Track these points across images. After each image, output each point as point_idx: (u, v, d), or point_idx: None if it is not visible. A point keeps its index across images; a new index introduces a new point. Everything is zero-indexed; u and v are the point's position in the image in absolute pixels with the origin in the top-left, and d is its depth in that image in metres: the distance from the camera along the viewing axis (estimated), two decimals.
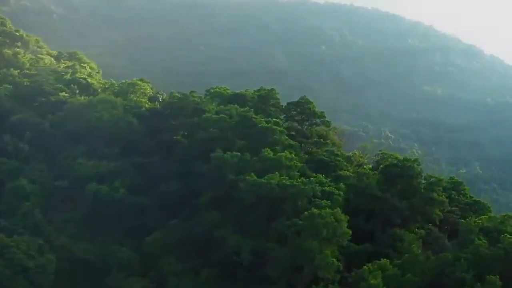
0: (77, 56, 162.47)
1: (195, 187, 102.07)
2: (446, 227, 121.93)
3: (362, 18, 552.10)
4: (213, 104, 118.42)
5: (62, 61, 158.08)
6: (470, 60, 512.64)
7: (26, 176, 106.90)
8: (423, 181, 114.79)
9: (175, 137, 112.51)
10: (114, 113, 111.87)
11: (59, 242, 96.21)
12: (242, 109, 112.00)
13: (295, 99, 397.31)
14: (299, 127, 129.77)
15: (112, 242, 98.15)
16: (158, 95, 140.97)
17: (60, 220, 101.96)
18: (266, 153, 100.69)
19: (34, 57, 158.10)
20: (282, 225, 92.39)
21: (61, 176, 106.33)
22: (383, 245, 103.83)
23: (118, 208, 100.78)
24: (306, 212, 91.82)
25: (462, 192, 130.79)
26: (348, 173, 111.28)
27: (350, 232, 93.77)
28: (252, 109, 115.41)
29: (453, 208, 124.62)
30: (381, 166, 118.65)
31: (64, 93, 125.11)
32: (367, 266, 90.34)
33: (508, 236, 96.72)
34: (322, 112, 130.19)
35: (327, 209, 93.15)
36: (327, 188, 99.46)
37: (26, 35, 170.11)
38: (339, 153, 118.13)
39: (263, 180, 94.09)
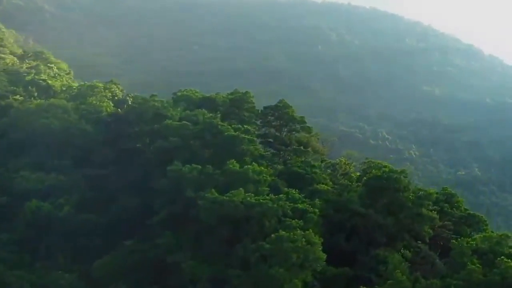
0: (43, 56, 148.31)
1: (153, 203, 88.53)
2: (437, 244, 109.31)
3: (360, 18, 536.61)
4: (179, 109, 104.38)
5: (27, 61, 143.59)
6: (469, 60, 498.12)
7: None
8: (411, 195, 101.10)
9: (134, 146, 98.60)
10: (66, 119, 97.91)
11: None
12: (209, 115, 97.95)
13: (293, 99, 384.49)
14: (277, 133, 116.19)
15: (54, 268, 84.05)
16: (128, 98, 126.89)
17: None
18: (231, 166, 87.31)
19: None
20: (246, 249, 79.02)
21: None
22: (365, 268, 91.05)
23: (64, 227, 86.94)
24: (273, 235, 78.50)
25: (456, 204, 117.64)
26: (326, 186, 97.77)
27: (325, 256, 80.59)
28: (219, 115, 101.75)
29: (446, 223, 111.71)
30: (364, 178, 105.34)
31: (18, 96, 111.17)
32: None
33: (505, 259, 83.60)
34: (302, 117, 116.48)
35: (299, 231, 79.90)
36: (300, 206, 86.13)
37: None
38: (316, 164, 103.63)
39: (224, 198, 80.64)
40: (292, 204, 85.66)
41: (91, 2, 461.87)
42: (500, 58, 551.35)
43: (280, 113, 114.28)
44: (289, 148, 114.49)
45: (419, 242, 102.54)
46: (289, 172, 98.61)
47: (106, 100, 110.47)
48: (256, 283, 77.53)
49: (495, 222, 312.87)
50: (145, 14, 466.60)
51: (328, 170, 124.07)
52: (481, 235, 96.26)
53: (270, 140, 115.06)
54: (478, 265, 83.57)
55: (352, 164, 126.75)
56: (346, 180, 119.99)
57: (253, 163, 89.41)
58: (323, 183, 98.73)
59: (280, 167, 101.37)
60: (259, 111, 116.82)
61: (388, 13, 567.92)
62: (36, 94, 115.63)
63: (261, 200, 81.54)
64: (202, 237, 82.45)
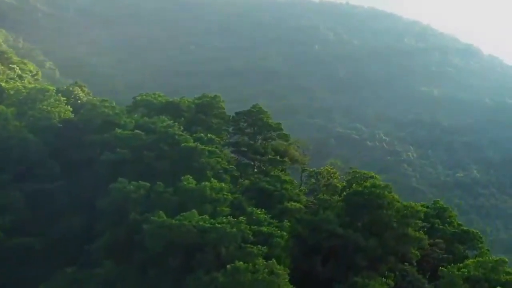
0: (5, 56, 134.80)
1: (97, 225, 75.68)
2: (427, 266, 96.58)
3: (358, 17, 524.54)
4: (136, 115, 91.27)
5: None
6: (468, 60, 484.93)
7: None
8: (397, 213, 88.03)
9: (84, 157, 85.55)
10: (4, 128, 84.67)
11: None
12: (167, 123, 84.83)
13: (289, 99, 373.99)
14: (251, 141, 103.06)
15: None
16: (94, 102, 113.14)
17: None
18: (185, 183, 74.23)
19: None
20: (198, 282, 66.61)
21: None
22: None
23: None
24: (229, 265, 65.67)
25: (448, 220, 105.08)
26: (298, 204, 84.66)
27: None
28: (180, 122, 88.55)
29: (437, 241, 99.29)
30: (344, 193, 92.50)
31: None
32: None
33: None
34: (278, 124, 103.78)
35: (261, 260, 67.34)
36: (264, 229, 73.41)
37: None
38: (288, 178, 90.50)
39: (174, 221, 67.80)
40: (255, 227, 72.93)
41: (86, 2, 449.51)
42: (500, 58, 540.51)
43: (253, 119, 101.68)
44: (264, 157, 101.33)
45: (406, 264, 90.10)
46: (256, 188, 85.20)
47: (61, 105, 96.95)
48: None
49: (495, 225, 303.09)
50: (141, 14, 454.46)
51: (312, 180, 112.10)
52: (475, 261, 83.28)
53: (244, 149, 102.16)
54: None
55: (337, 174, 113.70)
56: (329, 192, 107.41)
57: (212, 179, 75.90)
58: (295, 201, 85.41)
59: (246, 182, 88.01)
60: (231, 117, 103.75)
61: (386, 13, 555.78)
62: None
63: (217, 224, 68.69)
64: (148, 267, 69.53)
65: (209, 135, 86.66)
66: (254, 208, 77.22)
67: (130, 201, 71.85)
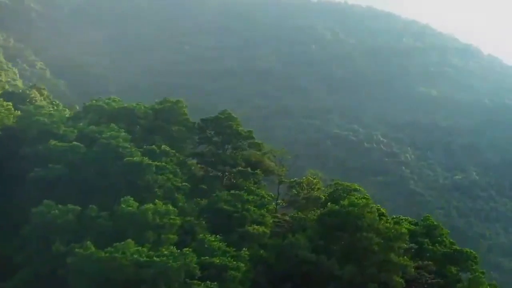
0: None
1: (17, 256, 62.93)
2: None
3: (355, 17, 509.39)
4: (81, 124, 78.76)
5: None
6: (467, 60, 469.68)
7: None
8: (378, 236, 75.48)
9: (15, 173, 72.91)
10: None
11: None
12: (110, 133, 72.30)
13: (285, 100, 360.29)
14: (219, 151, 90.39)
15: None
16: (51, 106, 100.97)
17: None
18: (124, 206, 61.69)
19: None
20: None
21: None
22: None
23: None
24: None
25: (439, 238, 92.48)
26: (261, 228, 71.81)
27: None
28: (132, 132, 76.16)
29: (426, 263, 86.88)
30: (319, 211, 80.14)
31: None
32: None
33: None
34: (249, 132, 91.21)
35: None
36: (217, 260, 60.64)
37: None
38: (251, 197, 77.74)
39: (103, 254, 55.40)
40: (207, 257, 60.48)
41: (81, 2, 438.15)
42: (500, 58, 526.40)
43: (222, 127, 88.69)
44: (234, 169, 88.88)
45: None
46: (213, 209, 72.55)
47: (3, 110, 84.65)
48: None
49: (494, 228, 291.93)
50: (136, 14, 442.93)
51: (294, 190, 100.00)
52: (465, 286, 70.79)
53: (212, 159, 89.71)
54: None
55: (318, 185, 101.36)
56: (309, 206, 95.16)
57: (157, 200, 63.37)
58: (259, 223, 72.84)
59: (204, 202, 75.33)
60: (196, 124, 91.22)
61: (384, 12, 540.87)
62: None
63: (155, 258, 56.11)
64: None
65: (162, 146, 73.95)
66: (207, 235, 64.46)
67: (55, 228, 59.27)
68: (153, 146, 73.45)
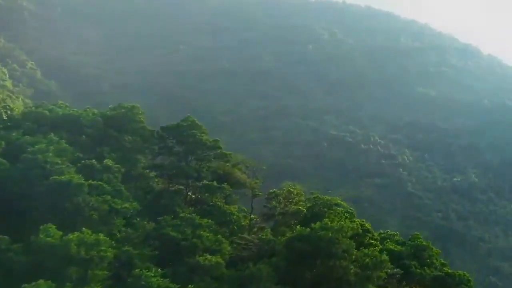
0: None
1: None
2: None
3: (354, 16, 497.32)
4: (14, 134, 66.78)
5: None
6: (467, 60, 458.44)
7: None
8: (355, 264, 63.65)
9: None
10: None
11: None
12: (38, 146, 60.26)
13: (281, 100, 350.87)
14: (181, 163, 78.42)
15: None
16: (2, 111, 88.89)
17: None
18: (42, 236, 49.86)
19: None
20: None
21: None
22: None
23: None
24: None
25: (428, 260, 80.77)
26: (215, 258, 59.99)
27: None
28: (64, 144, 64.05)
29: None
30: (287, 235, 68.31)
31: None
32: None
33: None
34: (215, 141, 79.65)
35: None
36: None
37: None
38: (204, 221, 65.78)
39: None
40: None
41: (75, 1, 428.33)
42: (499, 58, 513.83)
43: (184, 136, 76.61)
44: (198, 183, 77.00)
45: None
46: (160, 236, 60.48)
47: None
48: None
49: (493, 232, 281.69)
50: (129, 13, 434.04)
51: (274, 202, 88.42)
52: None
53: (174, 171, 77.85)
54: None
55: (296, 199, 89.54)
56: (286, 222, 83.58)
57: (85, 229, 51.36)
58: (213, 252, 60.76)
59: (150, 226, 63.28)
60: (155, 133, 79.27)
61: (382, 12, 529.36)
62: None
63: None
64: None
65: (105, 161, 61.99)
66: (146, 268, 52.32)
67: None
68: (92, 161, 61.49)
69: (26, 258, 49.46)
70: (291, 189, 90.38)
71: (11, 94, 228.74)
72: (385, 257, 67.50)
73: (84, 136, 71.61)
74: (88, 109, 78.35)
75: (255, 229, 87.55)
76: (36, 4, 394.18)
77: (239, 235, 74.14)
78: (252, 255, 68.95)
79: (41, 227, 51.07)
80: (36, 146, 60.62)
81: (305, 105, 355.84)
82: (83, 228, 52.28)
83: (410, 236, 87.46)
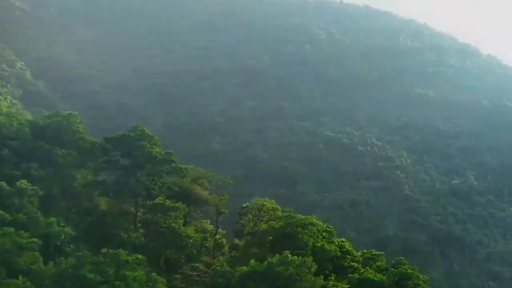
0: None
1: None
2: None
3: (351, 16, 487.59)
4: None
5: None
6: (466, 60, 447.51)
7: None
8: None
9: None
10: None
11: None
12: None
13: (277, 101, 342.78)
14: (130, 179, 66.39)
15: None
16: None
17: None
18: None
19: None
20: None
21: None
22: None
23: None
24: None
25: None
26: None
27: None
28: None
29: None
30: (244, 269, 56.35)
31: None
32: None
33: None
34: (168, 153, 68.17)
35: None
36: None
37: None
38: (132, 258, 53.47)
39: None
40: None
41: (69, 0, 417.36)
42: (499, 58, 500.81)
43: (131, 148, 64.46)
44: (149, 201, 64.94)
45: None
46: (74, 278, 48.28)
47: None
48: None
49: (492, 236, 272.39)
50: (125, 12, 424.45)
51: (244, 219, 76.63)
52: None
53: (118, 189, 65.67)
54: None
55: (266, 218, 77.57)
56: (254, 244, 71.62)
57: None
58: None
59: (69, 263, 51.02)
60: (98, 145, 67.20)
61: (381, 11, 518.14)
62: None
63: None
64: None
65: (18, 183, 49.92)
66: None
67: None
68: (1, 183, 49.27)
69: None
70: (264, 204, 78.71)
71: None
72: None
73: (6, 150, 59.83)
74: (14, 116, 66.30)
75: (224, 250, 75.67)
76: (29, 3, 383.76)
77: (191, 264, 62.73)
78: None
79: None
80: None
81: (301, 106, 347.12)
82: None
83: (393, 262, 75.44)
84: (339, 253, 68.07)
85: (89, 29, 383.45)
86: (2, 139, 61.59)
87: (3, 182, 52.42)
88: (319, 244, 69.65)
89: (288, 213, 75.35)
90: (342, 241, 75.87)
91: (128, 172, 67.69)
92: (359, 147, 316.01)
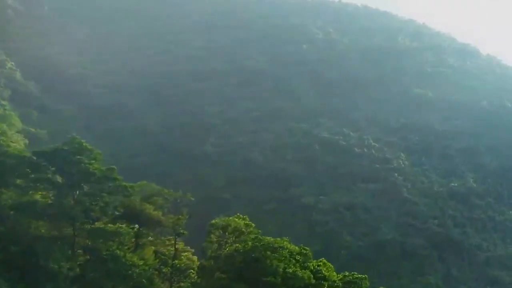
0: None
1: None
2: None
3: (350, 16, 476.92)
4: None
5: None
6: (465, 60, 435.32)
7: None
8: None
9: None
10: None
11: None
12: None
13: (274, 102, 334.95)
14: (65, 200, 55.96)
15: None
16: None
17: None
18: None
19: None
20: None
21: None
22: None
23: None
24: None
25: None
26: None
27: None
28: None
29: None
30: None
31: None
32: None
33: None
34: (110, 169, 56.98)
35: None
36: None
37: None
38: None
39: None
40: None
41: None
42: (498, 58, 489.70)
43: (66, 163, 53.95)
44: (86, 226, 54.48)
45: None
46: None
47: None
48: None
49: (492, 240, 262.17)
50: (120, 12, 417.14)
51: (211, 235, 66.19)
52: None
53: (55, 211, 55.34)
54: None
55: (231, 240, 67.26)
56: (218, 271, 61.13)
57: None
58: None
59: None
60: (26, 160, 56.70)
61: (379, 11, 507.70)
62: None
63: None
64: None
65: None
66: None
67: None
68: None
69: None
70: (229, 224, 68.28)
71: None
72: None
73: None
74: None
75: (187, 274, 65.11)
76: (21, 2, 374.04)
77: None
78: None
79: None
80: None
81: (298, 107, 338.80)
82: None
83: None
84: (313, 280, 58.00)
85: (84, 28, 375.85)
86: None
87: None
88: (290, 270, 59.28)
89: (255, 235, 65.31)
90: (318, 265, 65.90)
91: (62, 191, 57.57)
92: (356, 148, 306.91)
